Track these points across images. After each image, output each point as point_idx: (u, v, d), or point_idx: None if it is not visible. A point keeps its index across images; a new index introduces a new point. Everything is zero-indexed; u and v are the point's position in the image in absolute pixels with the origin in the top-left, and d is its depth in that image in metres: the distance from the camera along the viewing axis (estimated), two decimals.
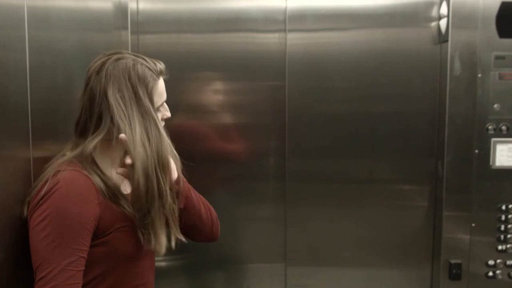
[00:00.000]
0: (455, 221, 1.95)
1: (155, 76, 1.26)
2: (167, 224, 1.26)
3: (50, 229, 1.11)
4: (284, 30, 1.99)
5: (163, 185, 1.20)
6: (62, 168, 1.18)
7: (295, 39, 1.99)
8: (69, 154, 1.25)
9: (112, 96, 1.20)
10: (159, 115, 1.29)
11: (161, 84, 1.29)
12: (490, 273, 1.95)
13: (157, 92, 1.26)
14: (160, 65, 1.29)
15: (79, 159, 1.22)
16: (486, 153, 1.91)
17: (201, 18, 1.99)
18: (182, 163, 1.33)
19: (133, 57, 1.26)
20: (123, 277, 1.26)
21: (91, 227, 1.16)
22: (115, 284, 1.25)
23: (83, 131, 1.25)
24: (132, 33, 1.96)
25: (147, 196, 1.18)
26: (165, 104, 1.32)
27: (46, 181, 1.15)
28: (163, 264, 2.06)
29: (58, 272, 1.09)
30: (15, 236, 1.16)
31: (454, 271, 1.94)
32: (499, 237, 1.94)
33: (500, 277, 1.94)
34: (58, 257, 1.10)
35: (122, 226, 1.22)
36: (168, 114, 1.33)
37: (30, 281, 1.13)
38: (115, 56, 1.25)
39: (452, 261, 1.94)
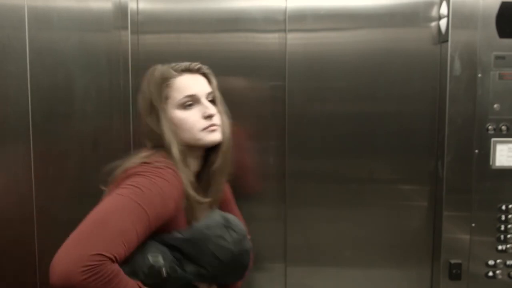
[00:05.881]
0: (455, 221, 1.95)
1: (172, 74, 1.31)
2: None
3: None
4: (284, 30, 1.99)
5: None
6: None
7: (295, 39, 1.99)
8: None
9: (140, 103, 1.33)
10: (193, 114, 1.31)
11: (181, 80, 1.32)
12: (490, 273, 1.95)
13: (174, 88, 1.30)
14: (186, 64, 1.34)
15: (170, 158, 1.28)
16: (486, 153, 1.91)
17: (201, 18, 1.98)
18: None
19: (158, 66, 1.35)
20: None
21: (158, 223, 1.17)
22: None
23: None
24: (132, 33, 1.95)
25: None
26: (204, 101, 1.33)
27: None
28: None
29: None
30: (14, 236, 1.16)
31: (454, 271, 1.94)
32: (499, 237, 1.94)
33: (500, 277, 1.95)
34: None
35: None
36: (209, 111, 1.32)
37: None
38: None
39: (452, 261, 1.94)
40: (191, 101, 1.31)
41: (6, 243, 1.15)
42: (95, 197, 1.76)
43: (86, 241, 1.04)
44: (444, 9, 1.92)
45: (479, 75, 1.89)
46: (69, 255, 1.01)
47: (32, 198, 1.28)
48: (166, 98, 1.29)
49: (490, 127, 1.91)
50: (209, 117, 1.32)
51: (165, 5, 2.00)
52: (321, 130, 2.02)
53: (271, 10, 1.99)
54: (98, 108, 1.77)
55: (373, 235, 2.07)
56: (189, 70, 1.33)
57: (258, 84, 2.02)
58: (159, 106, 1.28)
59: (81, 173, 1.64)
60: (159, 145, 1.28)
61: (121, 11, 1.93)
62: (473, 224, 1.94)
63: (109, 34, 1.87)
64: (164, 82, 1.29)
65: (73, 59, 1.51)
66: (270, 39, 2.00)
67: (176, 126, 1.28)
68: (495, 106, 1.90)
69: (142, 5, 1.98)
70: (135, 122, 1.99)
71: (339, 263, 2.09)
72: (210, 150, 1.38)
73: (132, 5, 1.96)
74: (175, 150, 1.26)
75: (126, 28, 1.94)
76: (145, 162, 1.20)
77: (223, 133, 1.36)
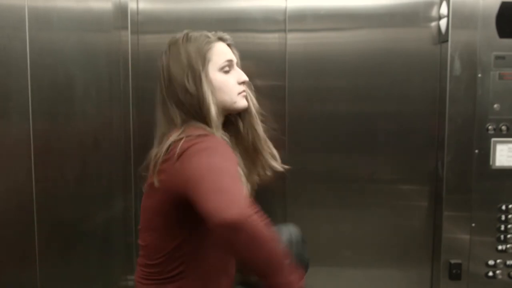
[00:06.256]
0: (455, 221, 1.95)
1: (212, 39, 1.34)
2: None
3: None
4: (284, 30, 1.99)
5: None
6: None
7: (295, 39, 1.99)
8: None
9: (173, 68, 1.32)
10: (231, 78, 1.36)
11: (220, 45, 1.36)
12: (490, 273, 1.95)
13: (215, 52, 1.34)
14: (220, 33, 1.38)
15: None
16: (486, 153, 1.91)
17: (201, 18, 1.99)
18: None
19: (189, 32, 1.37)
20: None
21: None
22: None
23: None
24: (132, 33, 1.96)
25: None
26: (237, 68, 1.39)
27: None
28: None
29: None
30: (14, 236, 1.16)
31: (454, 271, 1.94)
32: (499, 237, 1.94)
33: (500, 277, 1.95)
34: None
35: None
36: (243, 77, 1.38)
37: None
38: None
39: (452, 261, 1.94)
40: (229, 66, 1.37)
41: (6, 243, 1.15)
42: (95, 197, 1.77)
43: (228, 189, 1.07)
44: (444, 9, 1.92)
45: (479, 75, 1.89)
46: (227, 200, 1.04)
47: (32, 198, 1.28)
48: (209, 60, 1.31)
49: (490, 127, 1.91)
50: (243, 83, 1.39)
51: (165, 5, 2.01)
52: (321, 130, 2.02)
53: (271, 10, 1.99)
54: (98, 108, 1.77)
55: (373, 235, 2.07)
56: (222, 39, 1.39)
57: (258, 84, 2.02)
58: (201, 68, 1.29)
59: (81, 172, 1.64)
60: (192, 111, 1.30)
61: (121, 11, 1.93)
62: (473, 224, 1.94)
63: (109, 34, 1.88)
64: (207, 45, 1.32)
65: (73, 59, 1.51)
66: (270, 39, 2.00)
67: (216, 89, 1.32)
68: (495, 106, 1.90)
69: (142, 5, 1.98)
70: (135, 122, 1.99)
71: (339, 263, 2.09)
72: (228, 123, 1.44)
73: (132, 5, 1.96)
74: (214, 111, 1.30)
75: (126, 28, 1.95)
76: (187, 136, 1.22)
77: (250, 100, 1.45)
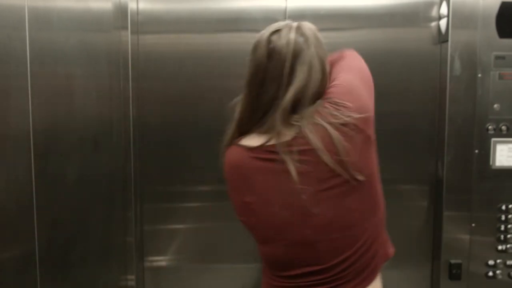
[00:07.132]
0: (455, 221, 1.95)
1: None
2: None
3: None
4: None
5: None
6: None
7: None
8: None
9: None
10: None
11: None
12: (490, 273, 1.95)
13: None
14: None
15: None
16: (486, 153, 1.91)
17: (201, 18, 1.99)
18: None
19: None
20: None
21: None
22: None
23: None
24: (132, 33, 1.96)
25: None
26: None
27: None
28: (163, 263, 2.06)
29: None
30: (13, 236, 1.16)
31: (454, 271, 1.94)
32: (499, 237, 1.94)
33: (500, 277, 1.95)
34: None
35: None
36: None
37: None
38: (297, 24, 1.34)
39: (452, 261, 1.94)
40: None
41: (6, 243, 1.15)
42: (95, 197, 1.77)
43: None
44: (444, 9, 1.92)
45: (479, 75, 1.89)
46: None
47: (32, 198, 1.28)
48: None
49: (490, 127, 1.91)
50: None
51: (165, 5, 2.01)
52: None
53: (271, 10, 1.99)
54: (98, 108, 1.77)
55: None
56: None
57: None
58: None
59: (81, 172, 1.64)
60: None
61: (121, 11, 1.93)
62: (473, 224, 1.94)
63: (109, 34, 1.88)
64: None
65: (73, 59, 1.51)
66: None
67: None
68: (495, 106, 1.90)
69: (142, 5, 1.98)
70: (135, 122, 1.99)
71: None
72: None
73: (132, 5, 1.96)
74: None
75: (126, 28, 1.95)
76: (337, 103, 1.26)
77: None
